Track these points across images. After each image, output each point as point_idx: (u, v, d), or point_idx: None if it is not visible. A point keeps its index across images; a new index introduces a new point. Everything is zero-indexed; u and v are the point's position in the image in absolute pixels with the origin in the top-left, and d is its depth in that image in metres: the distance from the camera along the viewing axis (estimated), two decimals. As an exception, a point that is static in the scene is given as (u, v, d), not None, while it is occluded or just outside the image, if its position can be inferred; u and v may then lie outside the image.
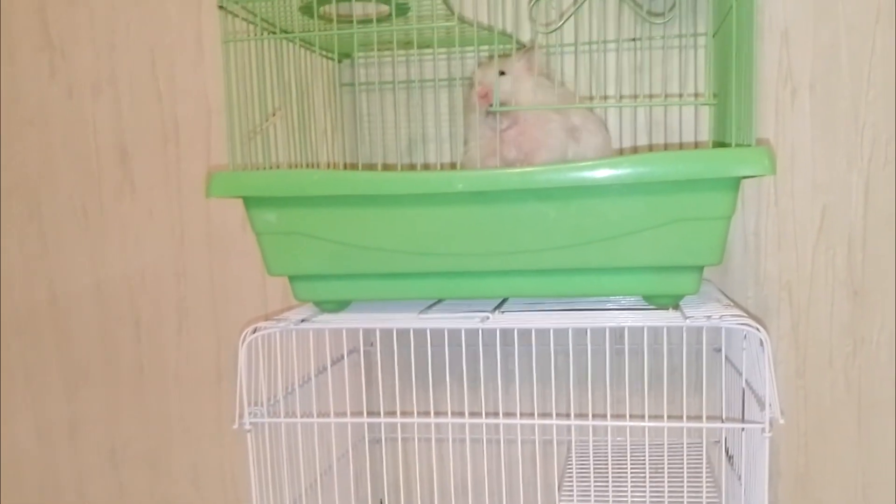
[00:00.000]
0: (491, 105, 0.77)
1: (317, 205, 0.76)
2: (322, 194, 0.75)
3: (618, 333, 0.99)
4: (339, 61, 1.06)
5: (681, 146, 0.97)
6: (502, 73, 0.81)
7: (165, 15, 1.15)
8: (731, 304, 0.79)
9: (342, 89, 1.07)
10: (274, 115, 0.78)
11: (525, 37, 1.00)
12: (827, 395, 1.02)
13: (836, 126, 0.98)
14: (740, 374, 0.78)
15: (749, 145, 0.67)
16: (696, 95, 0.97)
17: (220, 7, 0.76)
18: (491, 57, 0.88)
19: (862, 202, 0.99)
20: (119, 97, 1.18)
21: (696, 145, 0.95)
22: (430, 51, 0.99)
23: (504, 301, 0.85)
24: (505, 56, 0.83)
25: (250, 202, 0.78)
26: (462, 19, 0.87)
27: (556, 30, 0.79)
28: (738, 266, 1.02)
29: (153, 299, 1.20)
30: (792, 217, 1.01)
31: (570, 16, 0.83)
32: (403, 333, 0.82)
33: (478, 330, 0.74)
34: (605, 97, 1.00)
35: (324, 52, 1.01)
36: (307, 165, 0.88)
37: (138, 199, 1.19)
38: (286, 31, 0.86)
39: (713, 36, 0.90)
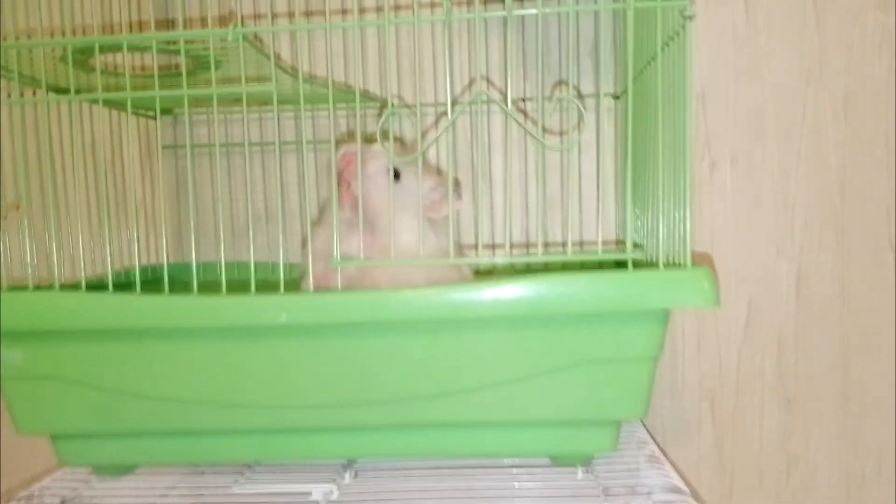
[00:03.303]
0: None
1: (79, 340, 0.52)
2: (82, 327, 0.51)
3: None
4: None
5: (581, 245, 0.79)
6: (397, 176, 0.61)
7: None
8: (658, 454, 0.60)
9: (163, 152, 0.84)
10: (17, 207, 0.54)
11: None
12: (757, 524, 0.85)
13: (762, 206, 0.83)
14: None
15: (682, 265, 0.49)
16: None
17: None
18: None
19: (793, 296, 0.84)
20: None
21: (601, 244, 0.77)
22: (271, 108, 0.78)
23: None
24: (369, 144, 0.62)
25: (-17, 335, 0.53)
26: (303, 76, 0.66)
27: (416, 157, 0.54)
28: (654, 374, 0.84)
29: None
30: (713, 314, 0.84)
31: (433, 143, 0.59)
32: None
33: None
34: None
35: (135, 110, 0.78)
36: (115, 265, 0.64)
37: None
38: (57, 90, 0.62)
39: (619, 97, 0.73)
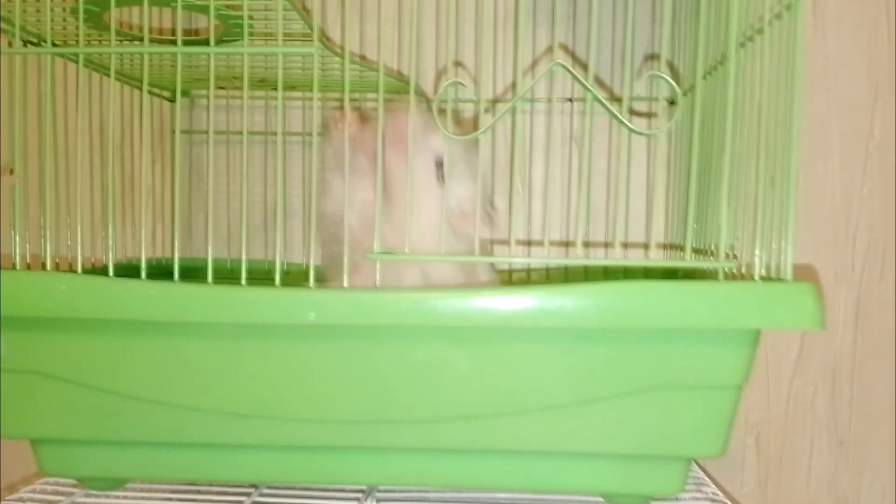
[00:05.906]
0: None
1: (70, 330, 0.45)
2: (77, 316, 0.44)
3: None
4: (172, 100, 0.77)
5: (625, 247, 0.72)
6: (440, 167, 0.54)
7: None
8: (721, 496, 0.53)
9: (179, 138, 0.77)
10: (10, 171, 0.47)
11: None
12: (801, 575, 0.78)
13: (821, 227, 0.76)
14: None
15: (783, 280, 0.42)
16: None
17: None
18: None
19: (851, 326, 0.77)
20: None
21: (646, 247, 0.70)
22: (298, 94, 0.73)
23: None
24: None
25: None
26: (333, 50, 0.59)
27: (481, 132, 0.45)
28: (697, 404, 0.77)
29: None
30: (764, 343, 0.77)
31: (499, 117, 0.50)
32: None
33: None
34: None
35: (150, 88, 0.71)
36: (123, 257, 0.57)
37: None
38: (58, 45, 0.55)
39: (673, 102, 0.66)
